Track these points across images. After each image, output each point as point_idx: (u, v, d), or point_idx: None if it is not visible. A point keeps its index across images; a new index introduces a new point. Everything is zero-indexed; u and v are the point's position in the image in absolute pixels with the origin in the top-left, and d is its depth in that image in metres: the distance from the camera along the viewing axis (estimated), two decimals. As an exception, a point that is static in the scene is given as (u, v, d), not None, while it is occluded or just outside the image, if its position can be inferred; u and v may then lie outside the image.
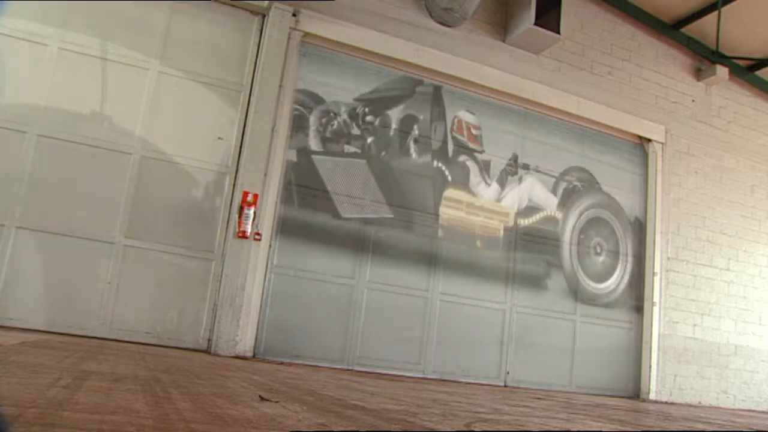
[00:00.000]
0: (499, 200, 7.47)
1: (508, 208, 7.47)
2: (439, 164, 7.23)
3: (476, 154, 7.42)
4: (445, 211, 7.15)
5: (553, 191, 7.80)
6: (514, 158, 7.60)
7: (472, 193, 7.35)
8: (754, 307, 8.48)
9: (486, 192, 7.44)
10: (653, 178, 8.01)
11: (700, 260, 8.16)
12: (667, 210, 7.99)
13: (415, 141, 7.15)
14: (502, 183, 7.49)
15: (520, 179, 7.61)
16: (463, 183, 7.31)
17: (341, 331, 6.27)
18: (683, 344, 7.84)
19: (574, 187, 7.85)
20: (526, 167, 7.64)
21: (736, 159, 8.73)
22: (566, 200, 7.77)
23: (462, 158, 7.37)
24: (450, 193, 7.24)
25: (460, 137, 7.36)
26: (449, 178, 7.23)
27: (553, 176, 7.74)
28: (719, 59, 8.36)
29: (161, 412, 1.69)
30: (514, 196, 7.55)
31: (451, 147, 7.28)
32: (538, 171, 7.73)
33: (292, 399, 2.44)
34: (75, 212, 5.62)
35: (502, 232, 7.38)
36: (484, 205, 7.38)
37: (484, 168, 7.46)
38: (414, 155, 7.10)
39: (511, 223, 7.46)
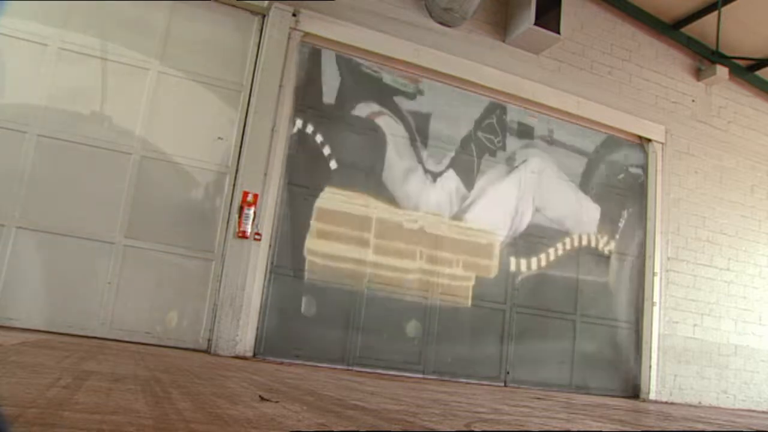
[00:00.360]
0: (458, 215, 4.54)
1: (483, 233, 4.42)
2: (307, 127, 4.29)
3: (401, 99, 4.59)
4: (315, 248, 4.52)
5: (584, 186, 4.79)
6: (499, 113, 4.58)
7: (392, 200, 4.48)
8: (754, 307, 8.48)
9: (424, 195, 4.49)
10: (653, 178, 8.00)
11: (700, 260, 8.16)
12: (667, 210, 7.99)
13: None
14: (467, 173, 4.52)
15: (512, 161, 4.91)
16: (366, 175, 4.73)
17: (341, 331, 6.27)
18: (683, 344, 7.84)
19: (634, 176, 4.84)
20: (526, 134, 4.76)
21: (736, 159, 8.73)
22: (619, 208, 5.16)
23: (360, 110, 4.46)
24: (327, 199, 4.28)
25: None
26: (331, 164, 4.32)
27: (584, 154, 5.22)
28: (719, 59, 8.36)
29: (161, 412, 1.69)
30: (499, 202, 4.75)
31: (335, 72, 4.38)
32: (552, 143, 4.62)
33: (292, 399, 2.44)
34: (75, 212, 5.62)
35: (470, 299, 4.40)
36: (424, 226, 4.20)
37: (421, 137, 4.57)
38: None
39: (492, 273, 4.50)
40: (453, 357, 6.69)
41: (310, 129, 5.31)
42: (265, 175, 6.04)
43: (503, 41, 7.41)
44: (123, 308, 5.64)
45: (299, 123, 5.55)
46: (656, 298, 7.72)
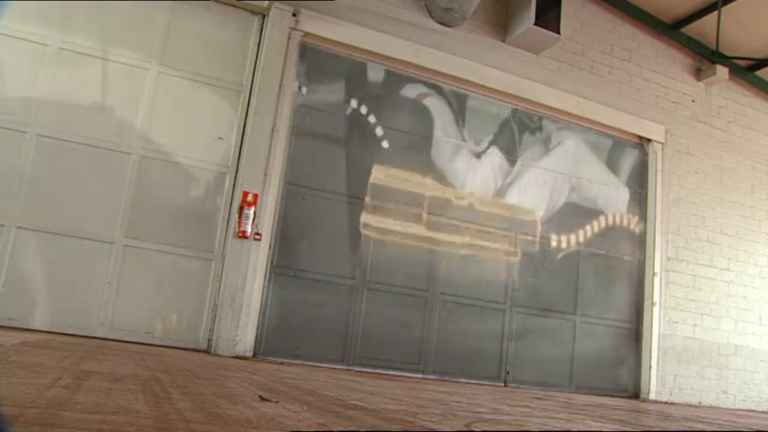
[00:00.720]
0: (500, 191, 5.25)
1: (521, 210, 4.93)
2: (358, 107, 4.81)
3: (445, 86, 4.96)
4: (371, 221, 4.93)
5: (613, 166, 5.11)
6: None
7: (440, 177, 4.98)
8: (754, 307, 8.48)
9: (469, 172, 4.85)
10: (653, 178, 8.00)
11: (700, 260, 8.16)
12: (667, 210, 7.99)
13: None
14: (510, 152, 4.99)
15: (547, 142, 5.20)
16: (417, 153, 5.29)
17: (341, 331, 6.27)
18: (683, 344, 7.84)
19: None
20: (557, 119, 5.17)
21: (736, 159, 8.73)
22: (643, 192, 5.48)
23: (408, 90, 4.89)
24: (380, 175, 4.67)
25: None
26: (382, 143, 4.95)
27: (607, 136, 5.60)
28: (719, 59, 8.36)
29: (161, 412, 1.69)
30: (536, 184, 5.00)
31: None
32: (587, 127, 4.80)
33: (292, 399, 2.44)
34: (75, 212, 5.62)
35: (503, 274, 4.98)
36: (472, 202, 4.68)
37: (461, 116, 5.02)
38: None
39: (534, 246, 4.95)
40: (453, 356, 6.68)
41: (363, 109, 5.89)
42: (265, 175, 6.04)
43: (503, 41, 7.41)
44: (123, 308, 5.64)
45: (353, 103, 5.93)
46: (656, 298, 7.73)
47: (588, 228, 7.29)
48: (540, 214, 6.71)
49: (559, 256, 7.17)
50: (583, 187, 7.25)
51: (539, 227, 6.78)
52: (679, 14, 8.22)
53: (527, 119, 7.18)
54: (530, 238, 7.09)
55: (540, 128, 7.16)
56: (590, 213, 7.54)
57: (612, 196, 7.10)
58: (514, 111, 7.26)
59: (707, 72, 8.49)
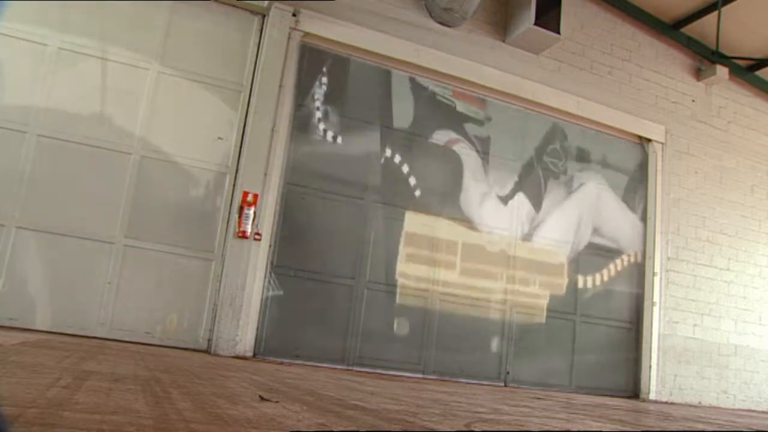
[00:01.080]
0: (527, 236, 5.19)
1: (549, 251, 4.88)
2: (388, 151, 5.14)
3: (472, 126, 5.35)
4: (406, 271, 4.88)
5: (630, 202, 5.41)
6: (561, 137, 5.14)
7: (468, 222, 5.12)
8: (754, 307, 8.48)
9: (494, 216, 5.00)
10: (653, 178, 8.00)
11: (700, 260, 8.16)
12: (667, 210, 7.99)
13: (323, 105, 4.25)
14: (536, 194, 5.16)
15: (569, 182, 5.26)
16: (448, 199, 5.35)
17: (341, 331, 6.27)
18: (683, 344, 7.84)
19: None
20: (583, 158, 5.20)
21: (736, 159, 8.73)
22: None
23: (441, 136, 5.20)
24: (414, 223, 4.79)
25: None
26: (414, 187, 5.15)
27: (625, 174, 5.87)
28: (719, 59, 8.36)
29: (161, 412, 1.69)
30: (567, 222, 5.07)
31: (410, 99, 5.67)
32: (606, 166, 5.01)
33: (292, 399, 2.44)
34: (75, 212, 5.62)
35: (543, 316, 5.32)
36: (504, 248, 4.68)
37: (485, 160, 5.30)
38: (320, 130, 5.12)
39: (561, 291, 5.13)
40: (453, 356, 6.68)
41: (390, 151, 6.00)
42: (265, 175, 6.04)
43: (503, 41, 7.41)
44: (123, 308, 5.64)
45: (388, 151, 6.00)
46: (656, 298, 7.72)
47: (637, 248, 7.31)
48: (565, 251, 6.74)
49: (588, 295, 7.20)
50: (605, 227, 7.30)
51: (566, 267, 6.76)
52: (679, 14, 8.22)
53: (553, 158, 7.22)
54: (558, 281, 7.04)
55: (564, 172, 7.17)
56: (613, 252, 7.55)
57: (633, 234, 7.21)
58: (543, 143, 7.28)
59: (707, 72, 8.49)
